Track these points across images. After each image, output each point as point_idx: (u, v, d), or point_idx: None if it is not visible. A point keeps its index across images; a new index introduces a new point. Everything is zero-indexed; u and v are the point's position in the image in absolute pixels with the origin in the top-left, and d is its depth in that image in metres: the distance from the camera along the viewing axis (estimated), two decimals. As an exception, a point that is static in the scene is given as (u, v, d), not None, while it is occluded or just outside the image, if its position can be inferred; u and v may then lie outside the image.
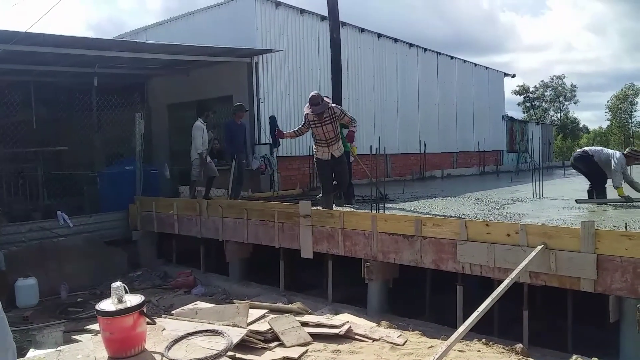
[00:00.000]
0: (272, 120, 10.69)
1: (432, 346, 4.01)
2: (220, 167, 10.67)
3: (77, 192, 11.51)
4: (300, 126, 7.74)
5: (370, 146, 10.02)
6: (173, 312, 4.60)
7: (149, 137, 12.08)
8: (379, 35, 16.68)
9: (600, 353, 4.12)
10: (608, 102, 55.56)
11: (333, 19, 10.61)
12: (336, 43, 10.59)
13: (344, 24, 15.04)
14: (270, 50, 12.30)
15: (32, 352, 4.10)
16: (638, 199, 8.24)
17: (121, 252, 10.01)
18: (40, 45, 9.26)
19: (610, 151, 8.60)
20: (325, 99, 7.63)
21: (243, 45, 11.82)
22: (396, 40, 17.51)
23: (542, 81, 62.54)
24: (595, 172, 8.47)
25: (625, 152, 8.56)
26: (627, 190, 8.18)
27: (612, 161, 8.22)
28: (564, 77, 60.34)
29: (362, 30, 15.94)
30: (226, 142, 10.10)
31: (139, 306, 3.56)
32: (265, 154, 11.57)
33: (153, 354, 3.56)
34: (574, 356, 3.80)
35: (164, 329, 3.93)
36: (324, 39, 14.10)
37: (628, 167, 8.51)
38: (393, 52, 17.35)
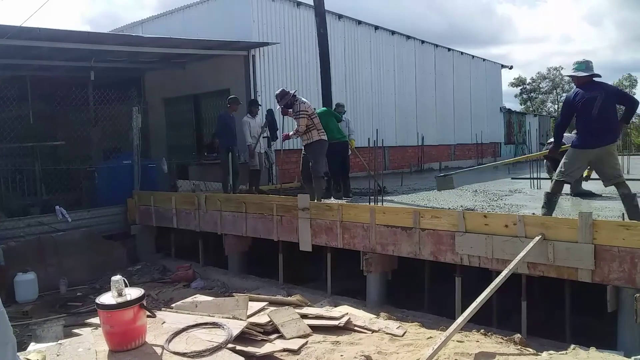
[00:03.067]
0: (270, 113, 10.67)
1: (431, 337, 4.03)
2: (214, 161, 10.71)
3: (75, 187, 11.49)
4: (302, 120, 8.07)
5: (368, 139, 10.06)
6: (173, 305, 4.61)
7: (146, 132, 12.05)
8: (376, 28, 16.65)
9: (598, 343, 4.14)
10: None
11: (319, 15, 10.64)
12: (323, 39, 10.62)
13: (341, 16, 15.04)
14: (266, 44, 12.28)
15: (32, 346, 4.11)
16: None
17: (120, 247, 10.00)
18: (36, 40, 9.22)
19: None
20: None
21: (239, 39, 11.79)
22: (393, 33, 17.48)
23: (538, 73, 62.45)
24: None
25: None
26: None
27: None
28: (561, 68, 60.18)
29: (360, 22, 15.91)
30: (220, 135, 10.09)
31: (139, 299, 3.57)
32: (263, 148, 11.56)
33: (154, 347, 3.58)
34: (572, 346, 3.82)
35: (164, 322, 3.94)
36: (321, 31, 14.08)
37: None
38: (390, 45, 17.33)
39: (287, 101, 8.35)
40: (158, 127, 14.34)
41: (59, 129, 12.70)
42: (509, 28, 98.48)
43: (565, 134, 6.45)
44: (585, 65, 5.91)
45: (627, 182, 5.81)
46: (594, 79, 5.87)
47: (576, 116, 5.93)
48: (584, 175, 8.32)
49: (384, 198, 8.18)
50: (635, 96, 5.91)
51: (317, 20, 10.71)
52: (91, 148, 11.21)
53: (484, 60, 23.52)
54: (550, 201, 5.93)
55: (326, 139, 8.35)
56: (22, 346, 4.31)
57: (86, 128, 11.12)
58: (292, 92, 8.51)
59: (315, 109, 9.47)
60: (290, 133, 8.73)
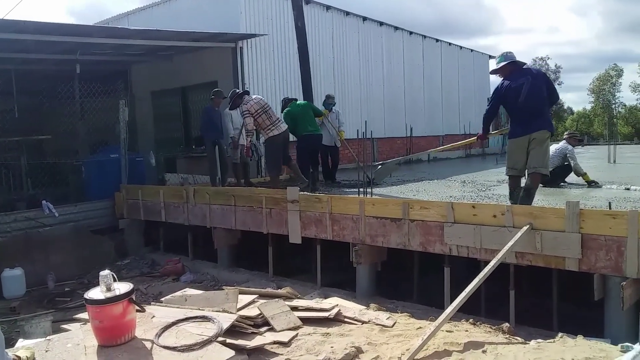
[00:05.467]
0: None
1: (420, 327, 4.06)
2: (202, 154, 10.64)
3: (62, 181, 11.38)
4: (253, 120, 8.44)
5: (357, 130, 10.05)
6: (162, 299, 4.59)
7: (133, 125, 11.95)
8: (364, 19, 16.61)
9: (585, 330, 4.19)
10: (590, 84, 56.02)
11: (297, 8, 10.63)
12: (301, 32, 10.60)
13: (329, 7, 14.98)
14: (254, 35, 12.20)
15: (20, 342, 4.08)
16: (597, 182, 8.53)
17: (108, 241, 9.94)
18: (21, 33, 9.09)
19: (557, 147, 8.81)
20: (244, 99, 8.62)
21: (227, 30, 11.70)
22: (381, 24, 17.45)
23: (524, 65, 62.61)
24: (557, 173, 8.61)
25: (565, 138, 8.90)
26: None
27: (567, 155, 8.52)
28: (548, 58, 60.40)
29: (348, 13, 15.86)
30: (204, 129, 10.03)
31: (128, 294, 3.55)
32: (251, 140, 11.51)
33: (143, 341, 3.56)
34: (560, 334, 3.86)
35: (154, 316, 3.93)
36: (308, 22, 13.98)
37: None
38: (378, 36, 17.29)
39: (235, 101, 8.67)
40: (145, 120, 14.20)
41: (45, 122, 12.56)
42: (497, 19, 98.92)
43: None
44: (503, 57, 6.03)
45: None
46: (523, 67, 5.90)
47: (506, 106, 6.02)
48: (588, 181, 8.42)
49: (373, 190, 8.19)
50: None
51: (295, 13, 10.69)
52: (78, 142, 11.10)
53: (471, 51, 23.57)
54: (512, 196, 6.02)
55: (277, 133, 8.55)
56: (10, 342, 4.28)
57: (72, 122, 11.00)
58: (239, 91, 8.99)
59: (295, 100, 9.61)
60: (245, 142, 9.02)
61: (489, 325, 4.17)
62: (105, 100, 11.01)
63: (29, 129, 11.65)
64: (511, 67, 5.92)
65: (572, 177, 8.79)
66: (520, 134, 5.85)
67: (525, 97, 5.71)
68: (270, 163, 8.88)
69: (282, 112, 9.78)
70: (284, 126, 8.74)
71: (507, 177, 6.15)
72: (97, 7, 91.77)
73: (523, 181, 6.16)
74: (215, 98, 9.88)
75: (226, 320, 3.77)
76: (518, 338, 3.93)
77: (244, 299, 4.35)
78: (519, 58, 5.99)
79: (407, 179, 10.95)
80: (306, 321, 4.13)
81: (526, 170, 5.99)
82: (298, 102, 9.77)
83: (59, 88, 10.59)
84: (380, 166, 9.19)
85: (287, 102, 9.83)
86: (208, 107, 10.01)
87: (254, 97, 8.79)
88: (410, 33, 19.00)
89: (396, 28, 18.25)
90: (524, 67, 5.97)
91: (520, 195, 5.83)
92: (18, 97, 12.01)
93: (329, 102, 10.75)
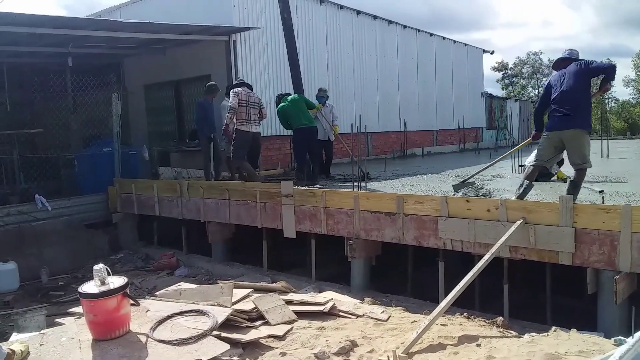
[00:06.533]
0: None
1: (415, 321, 4.07)
2: (196, 148, 10.59)
3: (55, 175, 11.31)
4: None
5: (351, 124, 10.03)
6: (157, 293, 4.59)
7: (126, 118, 11.88)
8: (358, 12, 16.54)
9: (579, 324, 4.22)
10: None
11: (283, 1, 10.53)
12: (287, 24, 10.56)
13: (322, 0, 14.91)
14: (247, 28, 12.14)
15: (15, 336, 4.06)
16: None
17: (102, 235, 9.92)
18: (12, 25, 9.00)
19: None
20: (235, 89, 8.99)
21: (220, 23, 11.63)
22: (375, 17, 17.39)
23: (518, 57, 62.79)
24: None
25: None
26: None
27: None
28: (541, 53, 60.71)
29: (341, 7, 15.79)
30: (200, 123, 9.97)
31: (122, 288, 3.54)
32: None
33: (138, 335, 3.56)
34: (553, 328, 3.89)
35: (148, 310, 3.92)
36: (302, 16, 13.96)
37: None
38: (372, 29, 17.24)
39: (232, 88, 9.12)
40: (138, 113, 14.12)
41: (37, 116, 12.48)
42: (491, 13, 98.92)
43: None
44: (568, 52, 5.90)
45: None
46: (570, 58, 5.76)
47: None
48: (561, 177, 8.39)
49: (367, 184, 8.20)
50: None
51: (280, 5, 10.62)
52: (70, 136, 11.04)
53: (465, 45, 23.54)
54: (520, 186, 5.84)
55: (245, 130, 8.90)
56: (4, 336, 4.27)
57: (65, 115, 10.93)
58: (241, 80, 9.56)
59: (289, 95, 9.62)
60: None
61: (483, 319, 4.20)
62: (97, 94, 10.95)
63: (21, 122, 11.59)
64: (563, 63, 5.77)
65: (567, 171, 8.73)
66: (550, 129, 5.68)
67: (559, 93, 5.56)
68: (235, 152, 9.07)
69: (276, 107, 9.77)
70: (255, 128, 9.14)
71: (525, 166, 5.99)
72: (88, 1, 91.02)
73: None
74: (213, 92, 9.82)
75: (221, 314, 3.77)
76: (512, 332, 3.95)
77: (239, 293, 4.35)
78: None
79: (402, 174, 10.96)
80: (301, 315, 4.14)
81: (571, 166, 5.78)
82: (290, 96, 9.74)
83: (50, 81, 10.51)
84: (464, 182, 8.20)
85: (280, 97, 9.82)
86: (203, 101, 9.94)
87: (236, 90, 8.96)
88: (404, 27, 18.95)
89: (390, 22, 18.19)
90: (573, 57, 5.77)
91: (567, 188, 5.68)
92: (9, 91, 11.91)
93: (321, 94, 10.72)
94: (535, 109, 6.26)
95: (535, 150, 6.01)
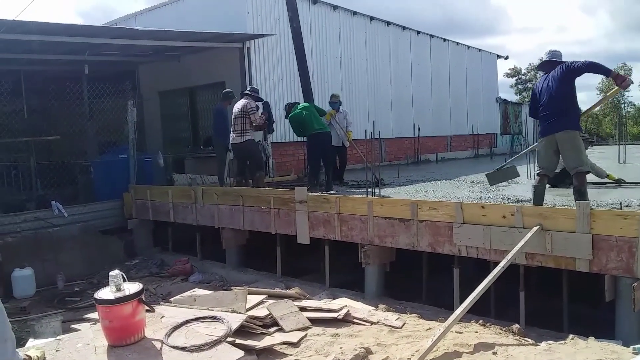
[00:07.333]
0: (266, 106, 10.63)
1: (429, 328, 4.04)
2: (210, 154, 10.66)
3: (71, 182, 11.44)
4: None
5: (365, 130, 10.01)
6: (171, 299, 4.60)
7: (141, 125, 12.00)
8: (372, 19, 16.58)
9: (596, 332, 4.16)
10: (599, 83, 55.61)
11: (292, 10, 10.64)
12: (297, 32, 10.65)
13: (336, 7, 14.97)
14: (261, 35, 12.21)
15: (31, 342, 4.10)
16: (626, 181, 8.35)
17: (117, 241, 9.99)
18: (29, 34, 9.14)
19: None
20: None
21: (234, 30, 11.71)
22: (389, 23, 17.41)
23: (530, 64, 62.28)
24: None
25: None
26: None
27: None
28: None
29: (355, 13, 15.83)
30: (219, 132, 10.00)
31: (137, 294, 3.56)
32: (260, 140, 11.52)
33: (153, 341, 3.57)
34: (571, 336, 3.84)
35: (163, 316, 3.93)
36: (315, 22, 14.01)
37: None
38: (386, 35, 17.26)
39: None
40: (153, 120, 14.27)
41: (54, 123, 12.63)
42: (505, 18, 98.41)
43: None
44: (551, 53, 5.84)
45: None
46: (553, 60, 5.72)
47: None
48: (613, 179, 8.31)
49: (381, 190, 8.17)
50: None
51: (290, 14, 10.71)
52: (86, 142, 11.16)
53: (479, 50, 23.46)
54: (533, 192, 5.85)
55: (235, 141, 8.96)
56: (20, 342, 4.30)
57: (81, 122, 11.06)
58: (254, 86, 9.89)
59: (298, 104, 9.72)
60: None
61: (499, 327, 4.15)
62: (113, 101, 11.06)
63: (38, 129, 11.73)
64: (548, 65, 5.77)
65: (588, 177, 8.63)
66: (541, 133, 5.73)
67: (545, 96, 5.60)
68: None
69: (286, 117, 9.83)
70: (236, 139, 8.96)
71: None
72: (105, 8, 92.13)
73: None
74: (229, 99, 9.88)
75: (235, 320, 3.77)
76: (528, 339, 3.90)
77: (253, 299, 4.35)
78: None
79: (415, 180, 10.92)
80: (315, 322, 4.12)
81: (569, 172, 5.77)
82: (300, 104, 9.78)
83: (67, 88, 10.64)
84: (498, 169, 8.02)
85: (290, 107, 9.85)
86: (220, 107, 9.99)
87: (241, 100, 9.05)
88: (418, 33, 18.94)
89: (403, 28, 18.20)
90: (556, 60, 5.75)
91: (574, 197, 5.63)
92: (27, 98, 12.07)
93: (334, 101, 10.75)
94: (528, 114, 6.29)
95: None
